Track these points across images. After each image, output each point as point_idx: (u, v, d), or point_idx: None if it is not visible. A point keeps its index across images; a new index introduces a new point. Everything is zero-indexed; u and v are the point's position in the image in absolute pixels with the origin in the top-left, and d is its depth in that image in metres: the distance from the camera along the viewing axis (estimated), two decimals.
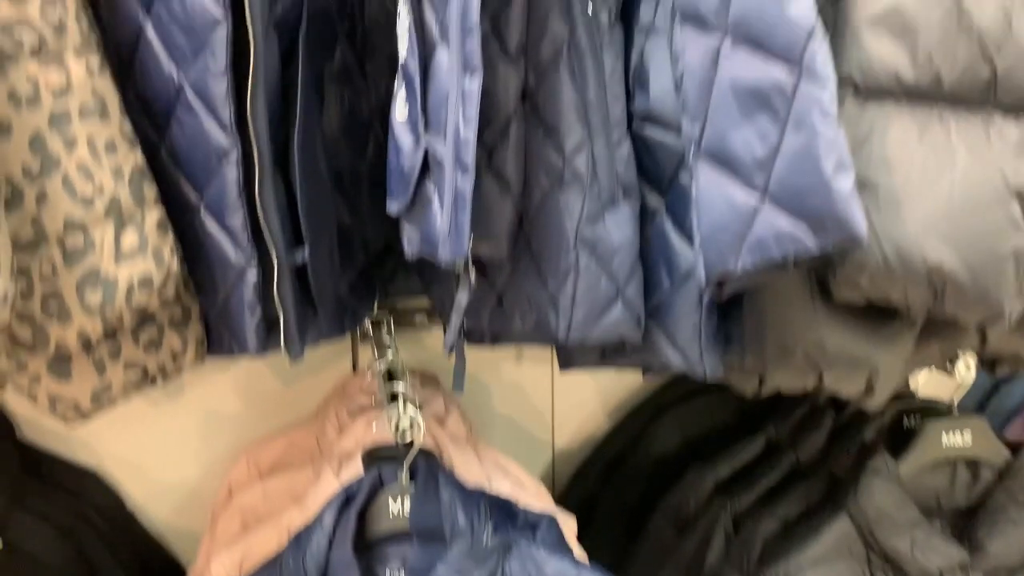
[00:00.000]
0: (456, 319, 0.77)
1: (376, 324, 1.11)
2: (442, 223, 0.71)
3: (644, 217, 0.84)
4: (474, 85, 0.67)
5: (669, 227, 0.82)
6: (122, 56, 0.84)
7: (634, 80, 0.81)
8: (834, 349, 0.79)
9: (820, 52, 0.60)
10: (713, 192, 0.69)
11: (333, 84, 0.94)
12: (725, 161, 0.68)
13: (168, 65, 0.82)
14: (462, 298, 0.75)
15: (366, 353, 1.19)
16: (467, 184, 0.69)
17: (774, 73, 0.63)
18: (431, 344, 1.21)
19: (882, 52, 0.69)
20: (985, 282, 0.68)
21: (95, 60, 0.77)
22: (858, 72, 0.70)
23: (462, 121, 0.68)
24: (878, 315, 0.78)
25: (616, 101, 0.79)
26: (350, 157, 0.96)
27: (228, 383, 1.15)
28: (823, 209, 0.61)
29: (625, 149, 0.81)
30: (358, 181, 0.97)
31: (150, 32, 0.82)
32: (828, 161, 0.60)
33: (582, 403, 1.31)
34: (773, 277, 0.74)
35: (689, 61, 0.70)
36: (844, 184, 0.60)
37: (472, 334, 0.92)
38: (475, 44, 0.67)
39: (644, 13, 0.79)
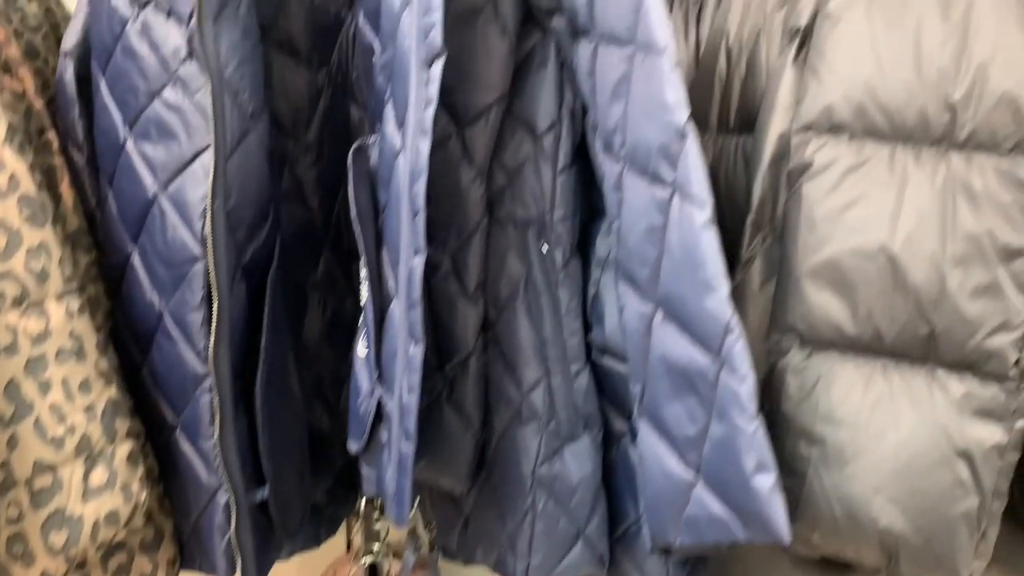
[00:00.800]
0: None
1: (370, 501, 1.10)
2: (389, 479, 0.71)
3: (610, 440, 0.83)
4: (417, 353, 0.68)
5: (634, 453, 0.81)
6: (112, 277, 0.88)
7: (591, 312, 0.81)
8: None
9: (737, 346, 0.60)
10: (652, 458, 0.69)
11: (316, 292, 0.97)
12: (662, 430, 0.68)
13: (151, 293, 0.85)
14: (408, 558, 0.74)
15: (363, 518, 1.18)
16: (409, 450, 0.69)
17: (698, 359, 0.63)
18: None
19: (823, 305, 0.69)
20: (939, 546, 0.66)
21: (75, 303, 0.79)
22: (802, 323, 0.70)
23: (406, 388, 0.69)
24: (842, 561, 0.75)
25: (573, 335, 0.80)
26: (332, 361, 0.98)
27: None
28: (746, 504, 0.60)
29: (584, 380, 0.81)
30: (339, 384, 0.98)
31: (136, 260, 0.85)
32: (748, 459, 0.59)
33: None
34: (715, 553, 0.73)
35: (628, 321, 0.71)
36: (763, 484, 0.59)
37: (445, 550, 0.91)
38: (418, 316, 0.68)
39: (600, 248, 0.80)
